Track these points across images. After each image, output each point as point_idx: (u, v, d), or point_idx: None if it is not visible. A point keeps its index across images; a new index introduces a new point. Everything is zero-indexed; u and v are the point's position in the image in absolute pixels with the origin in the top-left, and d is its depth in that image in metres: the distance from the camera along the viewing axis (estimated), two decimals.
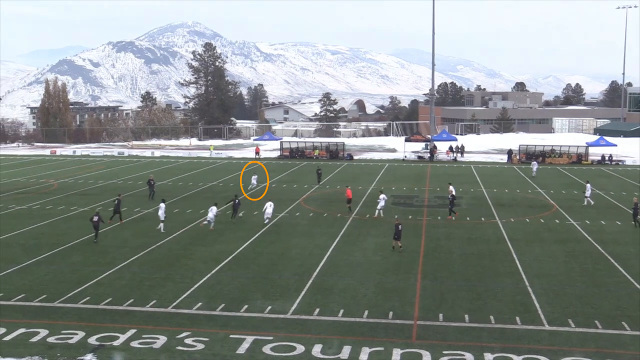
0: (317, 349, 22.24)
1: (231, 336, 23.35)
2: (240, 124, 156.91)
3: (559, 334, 23.94)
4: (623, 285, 30.26)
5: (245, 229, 42.11)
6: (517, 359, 21.53)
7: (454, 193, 48.53)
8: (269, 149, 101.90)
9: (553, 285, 30.00)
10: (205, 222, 42.63)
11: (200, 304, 26.98)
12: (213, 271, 32.08)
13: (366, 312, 26.06)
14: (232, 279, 30.91)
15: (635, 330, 24.36)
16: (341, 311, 26.17)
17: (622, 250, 36.76)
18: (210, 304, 26.92)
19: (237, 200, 45.93)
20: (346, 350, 22.11)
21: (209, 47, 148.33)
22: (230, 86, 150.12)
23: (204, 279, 30.78)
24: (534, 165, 72.09)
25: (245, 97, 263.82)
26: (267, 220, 43.71)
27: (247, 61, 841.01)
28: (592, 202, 52.06)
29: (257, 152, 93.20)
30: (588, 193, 52.73)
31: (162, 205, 42.18)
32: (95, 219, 38.70)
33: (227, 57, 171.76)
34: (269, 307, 26.55)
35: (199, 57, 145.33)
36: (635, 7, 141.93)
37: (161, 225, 41.44)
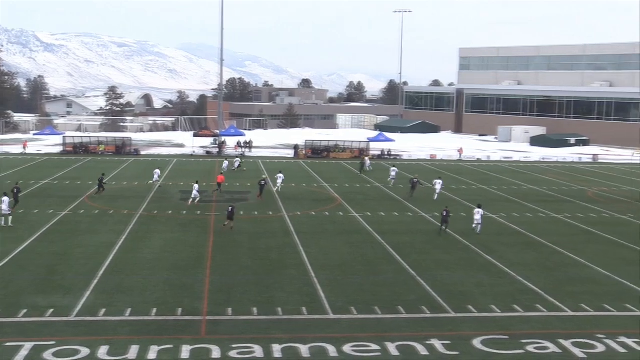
0: (103, 351, 21.58)
1: (7, 344, 21.97)
2: (19, 117, 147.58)
3: (342, 322, 25.09)
4: (399, 272, 32.34)
5: (23, 228, 39.71)
6: (304, 348, 22.27)
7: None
8: (51, 144, 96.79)
9: (337, 276, 31.37)
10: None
11: None
12: None
13: (154, 310, 25.69)
14: (9, 282, 29.11)
15: (410, 313, 26.17)
16: (129, 310, 25.59)
17: (399, 239, 39.16)
18: None
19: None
20: (134, 350, 21.66)
21: None
22: (6, 77, 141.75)
23: None
24: (367, 161, 74.34)
25: (24, 89, 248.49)
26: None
27: (25, 51, 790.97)
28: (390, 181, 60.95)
29: (24, 147, 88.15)
30: (393, 174, 61.79)
31: (6, 199, 40.34)
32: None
33: (2, 46, 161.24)
34: (51, 310, 25.31)
35: None
36: (410, 12, 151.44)
37: (7, 219, 39.91)
